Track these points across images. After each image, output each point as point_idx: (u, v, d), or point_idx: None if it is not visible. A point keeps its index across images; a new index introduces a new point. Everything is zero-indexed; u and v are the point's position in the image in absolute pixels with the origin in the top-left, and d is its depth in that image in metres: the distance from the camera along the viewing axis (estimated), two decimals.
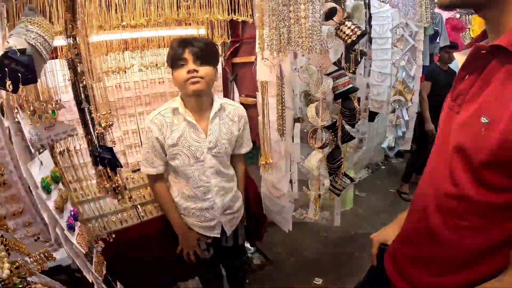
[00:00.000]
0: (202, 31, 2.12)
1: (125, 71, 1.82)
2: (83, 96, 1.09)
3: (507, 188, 0.75)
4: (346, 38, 1.47)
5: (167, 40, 1.98)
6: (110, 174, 1.17)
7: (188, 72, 1.50)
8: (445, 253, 0.90)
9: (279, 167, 1.83)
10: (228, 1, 1.90)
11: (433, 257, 0.93)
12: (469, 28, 3.66)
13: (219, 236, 1.75)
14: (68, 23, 1.08)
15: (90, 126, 1.15)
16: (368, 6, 2.31)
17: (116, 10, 1.68)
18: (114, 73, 1.80)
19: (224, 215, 1.73)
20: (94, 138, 1.15)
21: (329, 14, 1.46)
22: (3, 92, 0.93)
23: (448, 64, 3.34)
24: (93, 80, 1.07)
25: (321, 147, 1.61)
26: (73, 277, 1.74)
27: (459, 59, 3.20)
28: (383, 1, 1.97)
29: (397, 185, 4.03)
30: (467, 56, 0.89)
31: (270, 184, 1.95)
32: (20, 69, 0.78)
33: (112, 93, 1.88)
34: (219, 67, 2.46)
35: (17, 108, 0.92)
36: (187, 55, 1.51)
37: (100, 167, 1.17)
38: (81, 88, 1.09)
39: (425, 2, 2.06)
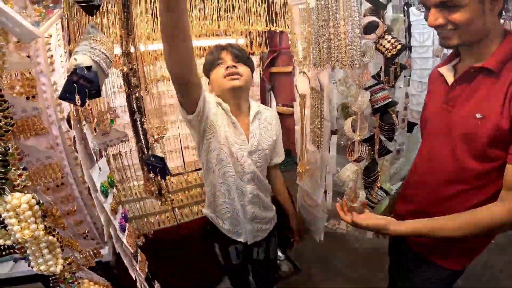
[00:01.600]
0: (241, 41, 2.21)
1: (169, 80, 1.94)
2: (135, 107, 1.19)
3: (496, 158, 1.14)
4: (386, 52, 1.50)
5: (208, 50, 2.07)
6: (155, 179, 1.27)
7: (227, 68, 1.55)
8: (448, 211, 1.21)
9: (314, 178, 1.87)
10: (266, 12, 1.98)
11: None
12: None
13: (245, 242, 1.74)
14: (123, 39, 1.19)
15: (141, 135, 1.26)
16: (407, 14, 2.32)
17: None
18: (159, 81, 1.91)
19: (251, 223, 1.71)
20: (144, 147, 1.25)
21: (369, 28, 1.50)
22: (70, 105, 1.05)
23: None
24: (147, 92, 1.17)
25: (356, 160, 1.63)
26: (111, 273, 1.87)
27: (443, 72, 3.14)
28: (420, 9, 1.98)
29: None
30: (461, 74, 1.24)
31: (305, 193, 1.99)
32: (86, 85, 0.88)
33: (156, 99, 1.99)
34: (257, 76, 2.55)
35: (82, 119, 1.03)
36: (225, 55, 1.58)
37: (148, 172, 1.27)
38: (134, 100, 1.19)
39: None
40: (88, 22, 1.18)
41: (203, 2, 1.91)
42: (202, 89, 1.45)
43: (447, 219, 1.19)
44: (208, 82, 1.66)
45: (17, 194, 0.87)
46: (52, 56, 1.40)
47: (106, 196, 1.06)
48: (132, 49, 1.21)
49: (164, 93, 2.01)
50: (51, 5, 1.05)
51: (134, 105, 1.18)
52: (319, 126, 1.62)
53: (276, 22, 1.99)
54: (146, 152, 1.25)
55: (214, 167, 1.61)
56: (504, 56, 1.14)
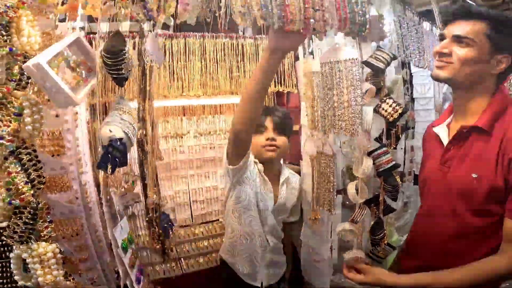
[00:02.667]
0: None
1: (181, 137, 2.08)
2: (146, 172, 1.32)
3: (496, 213, 1.20)
4: (388, 116, 1.61)
5: (218, 109, 2.23)
6: (161, 238, 1.38)
7: (267, 139, 1.75)
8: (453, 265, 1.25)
9: (320, 234, 1.94)
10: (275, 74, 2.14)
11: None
12: None
13: (260, 286, 1.89)
14: (139, 104, 1.32)
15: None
16: (408, 65, 2.45)
17: (176, 81, 1.98)
18: (172, 138, 2.05)
19: (268, 268, 1.89)
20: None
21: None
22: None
23: None
24: (156, 159, 1.30)
25: (352, 221, 1.64)
26: None
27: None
28: (417, 66, 2.11)
29: None
30: (454, 134, 1.32)
31: (311, 248, 2.04)
32: (118, 155, 1.01)
33: (168, 155, 2.12)
34: None
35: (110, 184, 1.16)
36: (268, 123, 1.77)
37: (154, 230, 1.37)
38: (147, 164, 1.32)
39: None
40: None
41: (216, 63, 2.09)
42: (250, 150, 1.67)
43: (448, 271, 1.23)
44: None
45: (43, 244, 0.99)
46: (76, 112, 1.55)
47: (126, 251, 1.16)
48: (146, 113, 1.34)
49: (175, 149, 2.13)
50: (84, 73, 1.19)
51: (146, 170, 1.30)
52: (330, 190, 1.70)
53: (284, 83, 2.15)
54: (154, 213, 1.36)
55: (241, 215, 1.82)
56: (494, 114, 1.22)
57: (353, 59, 1.48)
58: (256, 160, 1.82)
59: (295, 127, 2.44)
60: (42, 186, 0.99)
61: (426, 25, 2.09)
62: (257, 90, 1.34)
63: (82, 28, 2.19)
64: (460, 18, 1.27)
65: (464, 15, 1.26)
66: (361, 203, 1.60)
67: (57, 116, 1.29)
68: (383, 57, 1.60)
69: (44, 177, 1.00)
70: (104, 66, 1.07)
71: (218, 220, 2.27)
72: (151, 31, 1.18)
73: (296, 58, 2.17)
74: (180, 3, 1.07)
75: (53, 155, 1.28)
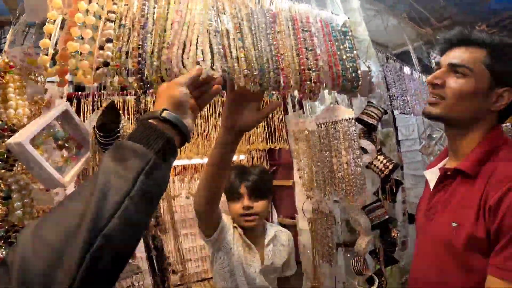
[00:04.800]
0: (242, 157, 2.22)
1: (174, 199, 1.89)
2: (152, 246, 1.12)
3: (478, 269, 0.95)
4: (379, 172, 1.51)
5: None
6: None
7: (243, 208, 1.55)
8: None
9: None
10: (266, 130, 2.04)
11: None
12: None
13: None
14: None
15: (157, 270, 1.17)
16: (392, 111, 2.37)
17: None
18: (163, 200, 1.86)
19: None
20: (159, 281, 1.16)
21: (363, 150, 1.52)
22: None
23: None
24: (162, 232, 1.12)
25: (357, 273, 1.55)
26: None
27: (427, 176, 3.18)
28: (403, 113, 2.03)
29: None
30: (436, 180, 1.12)
31: None
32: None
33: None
34: None
35: None
36: (243, 189, 1.55)
37: None
38: (150, 238, 1.13)
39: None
40: None
41: (208, 122, 1.95)
42: (222, 219, 1.50)
43: None
44: (227, 202, 1.65)
45: None
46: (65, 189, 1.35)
47: None
48: None
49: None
50: (74, 152, 1.02)
51: (151, 244, 1.11)
52: (329, 245, 1.60)
53: (275, 140, 2.03)
54: (163, 286, 1.16)
55: (227, 279, 1.61)
56: (480, 157, 1.01)
57: (349, 118, 1.38)
58: (236, 225, 1.62)
59: (288, 182, 2.31)
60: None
61: (406, 69, 2.02)
62: (213, 169, 1.16)
63: (71, 83, 2.03)
64: (458, 45, 1.07)
65: (462, 43, 1.06)
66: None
67: (47, 190, 1.10)
68: (374, 113, 1.52)
69: None
70: (98, 144, 0.91)
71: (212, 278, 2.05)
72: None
73: (286, 111, 2.06)
74: None
75: None
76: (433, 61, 2.10)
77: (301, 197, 1.89)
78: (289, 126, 2.05)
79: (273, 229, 1.74)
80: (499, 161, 0.98)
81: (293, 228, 2.01)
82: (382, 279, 1.59)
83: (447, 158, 1.20)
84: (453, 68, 1.03)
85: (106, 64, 0.91)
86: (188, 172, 1.99)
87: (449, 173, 1.07)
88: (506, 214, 0.88)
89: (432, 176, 1.19)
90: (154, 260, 1.15)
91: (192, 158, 1.90)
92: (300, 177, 1.57)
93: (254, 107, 1.07)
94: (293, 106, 1.93)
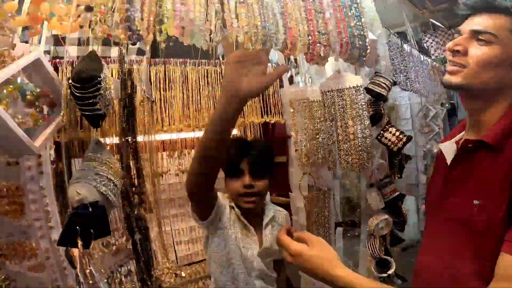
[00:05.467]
0: (234, 132, 2.06)
1: (162, 176, 1.72)
2: (136, 228, 0.95)
3: (494, 258, 0.82)
4: (392, 146, 1.38)
5: None
6: None
7: (244, 186, 1.36)
8: None
9: None
10: (261, 103, 1.87)
11: None
12: None
13: None
14: (123, 150, 0.98)
15: (142, 256, 1.00)
16: None
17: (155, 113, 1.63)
18: (148, 177, 1.69)
19: None
20: (144, 269, 0.98)
21: (372, 121, 1.38)
22: None
23: None
24: (148, 211, 0.95)
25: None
26: None
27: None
28: (405, 89, 1.93)
29: None
30: (458, 150, 1.00)
31: (310, 282, 1.75)
32: (92, 224, 0.65)
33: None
34: None
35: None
36: (244, 165, 1.36)
37: None
38: (134, 220, 0.95)
39: (439, 77, 2.03)
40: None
41: (199, 94, 1.77)
42: (217, 199, 1.34)
43: None
44: (225, 179, 1.45)
45: None
46: (40, 156, 1.15)
47: None
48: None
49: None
50: (47, 110, 0.82)
51: (135, 225, 0.93)
52: (326, 225, 1.48)
53: (270, 113, 1.87)
54: (147, 272, 0.99)
55: (223, 263, 1.45)
56: (505, 129, 0.91)
57: (357, 86, 1.24)
58: (233, 205, 1.46)
59: (282, 158, 2.16)
60: None
61: (406, 47, 1.90)
62: (211, 143, 0.99)
63: (47, 53, 1.77)
64: (480, 12, 0.96)
65: (485, 9, 0.95)
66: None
67: (8, 164, 0.91)
68: (383, 82, 1.38)
69: None
70: (74, 100, 0.72)
71: (204, 260, 1.91)
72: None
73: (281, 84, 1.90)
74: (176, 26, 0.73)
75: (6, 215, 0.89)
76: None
77: (297, 174, 1.76)
78: (285, 99, 1.90)
79: (271, 209, 1.57)
80: None
81: (286, 208, 1.87)
82: (392, 262, 1.46)
83: (464, 132, 1.07)
84: (476, 35, 0.93)
85: (89, 9, 0.72)
86: (177, 147, 1.81)
87: (470, 145, 0.96)
88: None
89: (448, 149, 1.05)
90: (138, 243, 0.97)
91: (182, 131, 1.72)
92: (296, 150, 1.42)
93: (260, 70, 0.90)
94: (291, 77, 1.79)
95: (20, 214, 0.94)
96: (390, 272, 1.44)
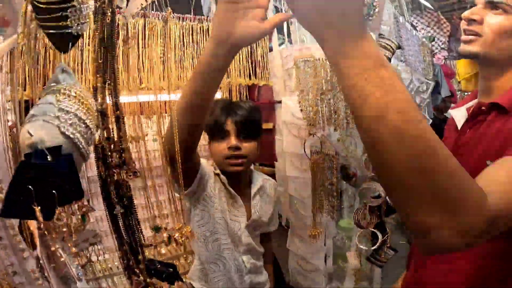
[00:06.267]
0: (218, 95, 1.82)
1: (138, 142, 1.46)
2: (116, 197, 0.70)
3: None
4: None
5: None
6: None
7: (229, 148, 1.21)
8: None
9: (312, 243, 1.50)
10: (249, 65, 1.65)
11: None
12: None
13: None
14: (98, 91, 0.72)
15: (125, 236, 0.75)
16: None
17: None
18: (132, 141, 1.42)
19: None
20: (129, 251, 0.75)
21: None
22: None
23: (444, 114, 3.05)
24: (129, 175, 0.70)
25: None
26: None
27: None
28: (400, 60, 1.80)
29: None
30: (469, 113, 0.99)
31: (301, 258, 1.64)
32: (54, 181, 0.41)
33: None
34: None
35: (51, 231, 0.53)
36: (230, 125, 1.22)
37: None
38: (112, 186, 0.70)
39: (427, 55, 1.95)
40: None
41: (184, 53, 1.51)
42: (201, 165, 1.18)
43: None
44: (209, 143, 1.29)
45: None
46: None
47: None
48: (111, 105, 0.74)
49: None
50: None
51: (114, 194, 0.69)
52: (333, 194, 1.31)
53: (256, 75, 1.65)
54: (134, 257, 0.76)
55: (207, 238, 1.29)
56: None
57: None
58: (218, 172, 1.30)
59: (269, 125, 1.96)
60: None
61: (401, 19, 1.75)
62: (193, 98, 0.85)
63: None
64: None
65: None
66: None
67: None
68: (388, 44, 1.24)
69: None
70: (36, 14, 0.47)
71: None
72: None
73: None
74: None
75: None
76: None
77: (289, 140, 1.57)
78: (275, 62, 1.69)
79: (259, 178, 1.41)
80: None
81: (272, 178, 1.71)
82: (386, 233, 1.34)
83: (475, 100, 1.05)
84: (492, 5, 0.91)
85: None
86: (156, 110, 1.54)
87: (483, 108, 0.94)
88: None
89: (459, 114, 1.04)
90: (119, 217, 0.73)
91: (162, 93, 1.46)
92: (301, 109, 1.23)
93: (257, 14, 0.75)
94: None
95: None
96: (379, 242, 1.34)
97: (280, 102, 1.68)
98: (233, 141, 1.22)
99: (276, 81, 1.71)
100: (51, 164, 0.41)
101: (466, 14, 0.94)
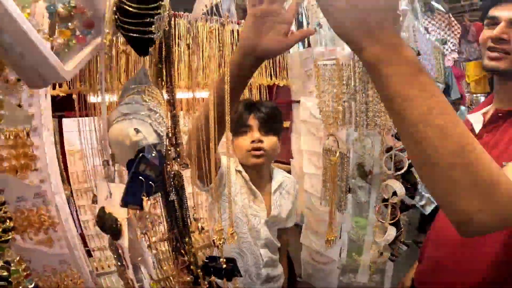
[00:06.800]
0: None
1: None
2: (172, 187, 0.80)
3: None
4: None
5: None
6: (192, 267, 0.87)
7: (252, 141, 1.31)
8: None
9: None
10: (270, 65, 1.74)
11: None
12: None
13: None
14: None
15: (177, 220, 0.84)
16: None
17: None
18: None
19: (264, 284, 1.47)
20: (178, 234, 0.84)
21: None
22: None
23: None
24: (182, 167, 0.80)
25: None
26: None
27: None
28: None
29: None
30: (488, 119, 1.09)
31: (314, 251, 1.73)
32: (151, 176, 0.50)
33: None
34: None
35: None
36: (252, 120, 1.32)
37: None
38: (170, 175, 0.79)
39: (439, 58, 2.02)
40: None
41: (202, 53, 1.59)
42: (221, 162, 1.26)
43: None
44: (232, 141, 1.39)
45: None
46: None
47: None
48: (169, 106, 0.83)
49: None
50: (83, 30, 0.60)
51: (170, 184, 0.78)
52: (343, 190, 1.40)
53: (279, 75, 1.74)
54: (181, 239, 0.85)
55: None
56: None
57: None
58: (240, 169, 1.40)
59: (286, 124, 2.05)
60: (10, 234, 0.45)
61: (416, 23, 1.83)
62: (219, 101, 0.86)
63: None
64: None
65: None
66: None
67: (19, 106, 0.71)
68: None
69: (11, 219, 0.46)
70: (119, 20, 0.55)
71: None
72: None
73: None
74: None
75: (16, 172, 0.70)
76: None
77: (307, 138, 1.67)
78: (293, 63, 1.79)
79: (280, 175, 1.52)
80: None
81: None
82: (400, 229, 1.42)
83: (490, 105, 1.15)
84: None
85: None
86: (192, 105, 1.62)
87: (500, 114, 1.05)
88: None
89: (476, 120, 1.14)
90: (173, 205, 0.82)
91: (204, 89, 1.55)
92: (321, 110, 1.33)
93: (282, 29, 0.82)
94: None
95: (31, 170, 0.76)
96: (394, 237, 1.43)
97: (298, 102, 1.77)
98: (255, 134, 1.32)
99: (294, 82, 1.80)
100: (153, 159, 0.50)
101: (496, 33, 1.01)
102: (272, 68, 1.73)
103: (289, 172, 1.89)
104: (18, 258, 0.52)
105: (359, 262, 1.59)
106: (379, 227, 1.46)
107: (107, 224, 0.63)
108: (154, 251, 0.81)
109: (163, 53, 0.75)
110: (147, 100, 0.57)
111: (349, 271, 1.68)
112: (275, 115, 1.40)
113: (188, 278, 0.90)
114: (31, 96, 0.80)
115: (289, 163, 1.97)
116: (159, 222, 0.84)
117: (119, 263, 0.67)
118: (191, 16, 0.97)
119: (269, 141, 1.35)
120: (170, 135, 0.80)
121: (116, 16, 0.57)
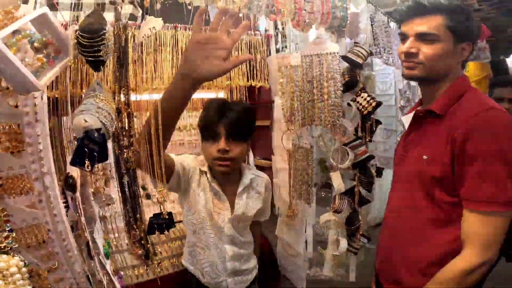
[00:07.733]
0: (221, 95, 2.23)
1: None
2: (124, 169, 1.11)
3: (443, 202, 1.17)
4: (362, 109, 1.59)
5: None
6: (143, 243, 1.18)
7: (219, 151, 1.39)
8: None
9: (295, 229, 1.87)
10: (248, 68, 2.04)
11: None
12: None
13: None
14: (115, 94, 1.14)
15: (130, 198, 1.16)
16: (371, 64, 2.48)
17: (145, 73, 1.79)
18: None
19: (232, 276, 1.59)
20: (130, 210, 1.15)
21: (347, 87, 1.59)
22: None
23: None
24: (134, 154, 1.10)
25: (336, 211, 1.67)
26: None
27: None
28: (387, 64, 2.11)
29: None
30: (412, 119, 1.31)
31: (286, 243, 1.97)
32: (95, 149, 0.84)
33: None
34: None
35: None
36: (220, 129, 1.38)
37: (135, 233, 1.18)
38: (123, 161, 1.10)
39: None
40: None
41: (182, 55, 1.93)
42: (175, 163, 1.43)
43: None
44: (201, 143, 1.55)
45: (5, 257, 0.84)
46: (35, 104, 1.32)
47: (107, 258, 0.98)
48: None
49: None
50: (52, 55, 0.98)
51: (123, 167, 1.10)
52: (308, 182, 1.64)
53: (256, 77, 2.04)
54: (134, 216, 1.16)
55: (195, 227, 1.55)
56: (448, 99, 1.20)
57: (334, 53, 1.43)
58: (206, 169, 1.50)
59: (266, 122, 2.35)
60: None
61: (393, 25, 2.07)
62: (163, 115, 1.01)
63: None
64: (415, 15, 1.22)
65: (419, 12, 1.20)
66: (341, 194, 1.57)
67: (16, 107, 1.07)
68: (361, 52, 1.58)
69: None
70: (79, 48, 0.89)
71: None
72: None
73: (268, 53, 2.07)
74: None
75: (12, 153, 1.06)
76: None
77: (279, 136, 1.94)
78: (271, 66, 2.08)
79: (249, 175, 1.59)
80: (462, 103, 1.19)
81: (268, 171, 2.06)
82: (359, 220, 1.68)
83: (421, 106, 1.37)
84: (422, 37, 1.19)
85: None
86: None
87: (421, 114, 1.27)
88: (467, 141, 1.09)
89: (407, 120, 1.37)
90: (126, 186, 1.13)
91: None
92: (283, 108, 1.60)
93: (222, 54, 0.94)
94: (277, 49, 1.96)
95: (20, 150, 1.12)
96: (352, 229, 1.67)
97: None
98: (222, 144, 1.37)
99: (272, 83, 2.10)
100: (96, 138, 0.84)
101: (405, 49, 1.22)
102: (249, 71, 2.03)
103: (270, 168, 2.16)
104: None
105: (324, 256, 1.77)
106: (331, 242, 1.70)
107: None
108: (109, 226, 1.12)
109: (118, 64, 1.08)
110: (98, 101, 0.91)
111: (316, 264, 1.90)
112: (245, 119, 1.44)
113: (140, 252, 1.19)
114: (27, 98, 1.17)
115: (270, 160, 2.24)
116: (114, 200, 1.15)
117: (77, 214, 1.01)
118: (137, 41, 1.31)
119: (237, 148, 1.40)
120: (126, 129, 1.12)
121: (77, 45, 0.92)
